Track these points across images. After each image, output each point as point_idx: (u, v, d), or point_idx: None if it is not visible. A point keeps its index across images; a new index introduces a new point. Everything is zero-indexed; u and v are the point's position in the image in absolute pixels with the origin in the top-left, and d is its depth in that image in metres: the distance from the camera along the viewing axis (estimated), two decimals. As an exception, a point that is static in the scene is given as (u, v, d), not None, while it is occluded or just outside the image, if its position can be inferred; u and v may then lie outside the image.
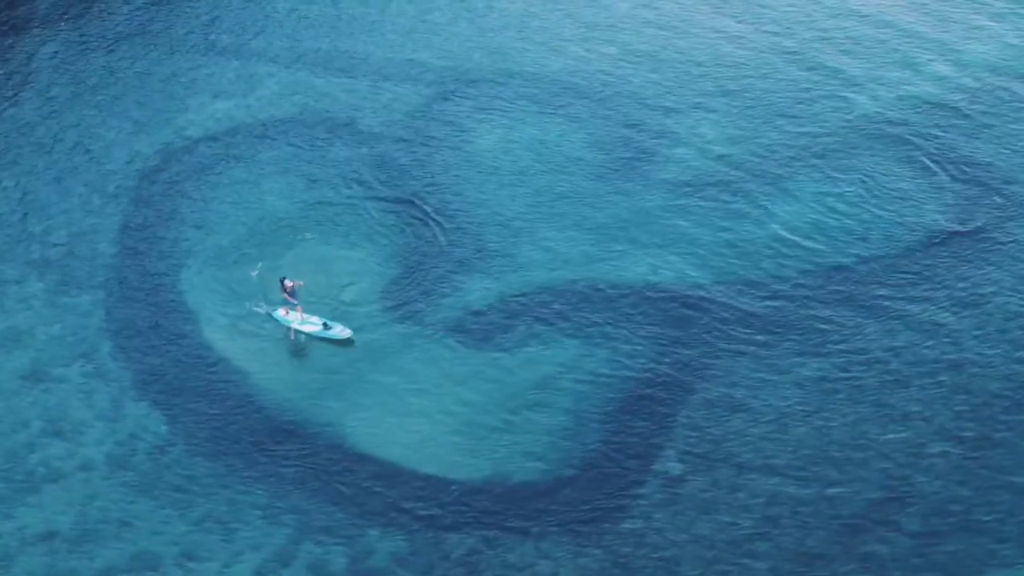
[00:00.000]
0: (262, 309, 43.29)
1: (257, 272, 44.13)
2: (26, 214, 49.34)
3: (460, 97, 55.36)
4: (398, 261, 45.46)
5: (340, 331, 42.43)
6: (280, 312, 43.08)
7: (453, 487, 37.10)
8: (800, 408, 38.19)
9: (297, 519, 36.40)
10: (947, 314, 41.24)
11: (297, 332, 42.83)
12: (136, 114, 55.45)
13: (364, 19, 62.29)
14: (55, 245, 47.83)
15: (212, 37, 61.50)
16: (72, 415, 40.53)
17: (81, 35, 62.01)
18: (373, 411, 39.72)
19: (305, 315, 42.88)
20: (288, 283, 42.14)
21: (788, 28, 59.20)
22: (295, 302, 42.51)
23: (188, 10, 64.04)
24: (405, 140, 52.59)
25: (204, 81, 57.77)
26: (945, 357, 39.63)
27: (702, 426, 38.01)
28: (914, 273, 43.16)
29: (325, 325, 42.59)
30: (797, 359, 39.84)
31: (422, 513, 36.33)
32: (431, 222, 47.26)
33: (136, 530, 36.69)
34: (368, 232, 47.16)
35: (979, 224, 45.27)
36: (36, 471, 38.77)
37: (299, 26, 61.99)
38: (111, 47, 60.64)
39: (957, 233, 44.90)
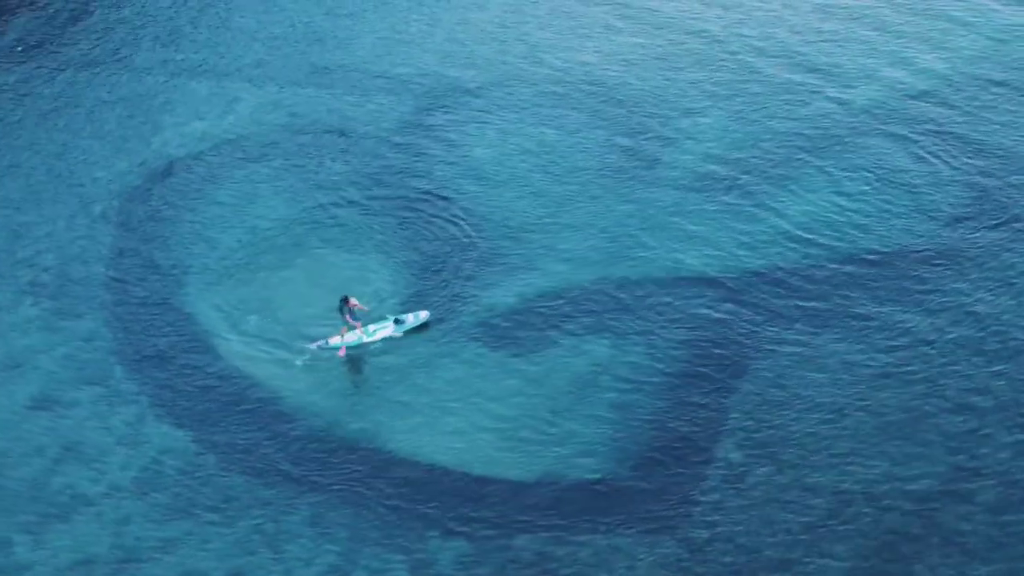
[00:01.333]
0: (317, 345, 41.24)
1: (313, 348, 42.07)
2: (11, 240, 47.36)
3: (448, 108, 54.39)
4: (414, 271, 44.34)
5: (418, 316, 41.32)
6: (334, 339, 41.12)
7: (508, 489, 35.57)
8: (853, 394, 37.57)
9: (347, 531, 34.93)
10: (983, 293, 41.07)
11: (348, 348, 41.08)
12: (111, 137, 53.82)
13: (335, 35, 61.08)
14: (45, 270, 45.93)
15: (180, 58, 60.00)
16: (90, 440, 38.71)
17: (45, 63, 60.06)
18: (411, 419, 38.47)
19: (371, 327, 41.18)
20: (353, 302, 40.37)
21: (770, 28, 59.03)
22: (355, 323, 40.76)
23: (150, 33, 62.36)
24: (400, 151, 51.49)
25: (178, 101, 56.22)
26: (989, 334, 39.19)
27: (755, 417, 37.22)
28: (938, 259, 42.88)
29: (397, 321, 41.09)
30: (839, 347, 39.27)
31: (480, 517, 35.04)
32: (441, 232, 46.06)
33: (179, 550, 34.99)
34: (378, 244, 46.01)
35: (989, 209, 44.95)
36: (60, 497, 36.96)
37: (268, 44, 60.72)
38: (77, 73, 58.89)
39: (969, 219, 44.59)
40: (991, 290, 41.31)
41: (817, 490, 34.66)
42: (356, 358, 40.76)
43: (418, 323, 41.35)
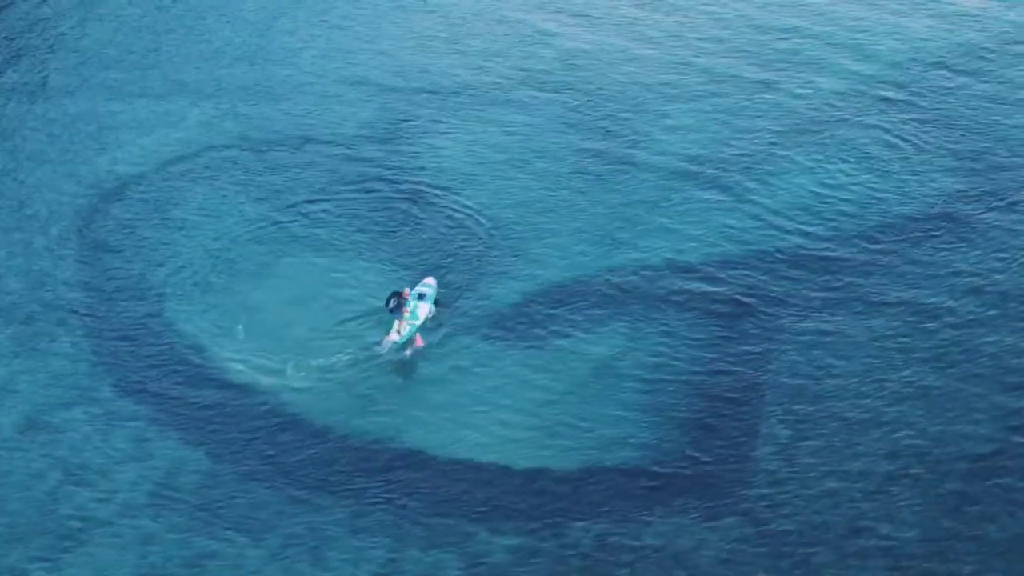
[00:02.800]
0: (386, 346, 39.49)
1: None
2: (-33, 265, 44.57)
3: (410, 112, 53.31)
4: (413, 272, 42.64)
5: (427, 284, 40.77)
6: (392, 336, 39.61)
7: (551, 481, 34.34)
8: (887, 364, 37.31)
9: (389, 534, 33.33)
10: (993, 262, 41.06)
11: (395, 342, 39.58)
12: (55, 161, 51.24)
13: (273, 46, 59.56)
14: (10, 294, 43.37)
15: (114, 79, 57.59)
16: (92, 461, 36.43)
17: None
18: (434, 418, 37.12)
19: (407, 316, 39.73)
20: (406, 293, 39.48)
21: (728, 22, 59.04)
22: (406, 310, 39.53)
23: (80, 57, 59.84)
24: (369, 156, 50.14)
25: (119, 122, 53.93)
26: (1008, 302, 39.16)
27: (790, 393, 36.69)
28: (936, 237, 42.98)
29: (420, 296, 40.33)
30: (861, 323, 38.92)
31: (526, 510, 33.80)
32: (431, 233, 44.70)
33: (212, 566, 32.91)
34: (370, 245, 44.45)
35: (965, 191, 45.24)
36: (71, 522, 34.61)
37: (203, 59, 58.70)
38: (7, 101, 55.77)
39: (956, 198, 44.75)
40: (992, 260, 41.29)
41: (872, 460, 34.14)
42: (377, 361, 39.01)
43: (434, 291, 40.40)
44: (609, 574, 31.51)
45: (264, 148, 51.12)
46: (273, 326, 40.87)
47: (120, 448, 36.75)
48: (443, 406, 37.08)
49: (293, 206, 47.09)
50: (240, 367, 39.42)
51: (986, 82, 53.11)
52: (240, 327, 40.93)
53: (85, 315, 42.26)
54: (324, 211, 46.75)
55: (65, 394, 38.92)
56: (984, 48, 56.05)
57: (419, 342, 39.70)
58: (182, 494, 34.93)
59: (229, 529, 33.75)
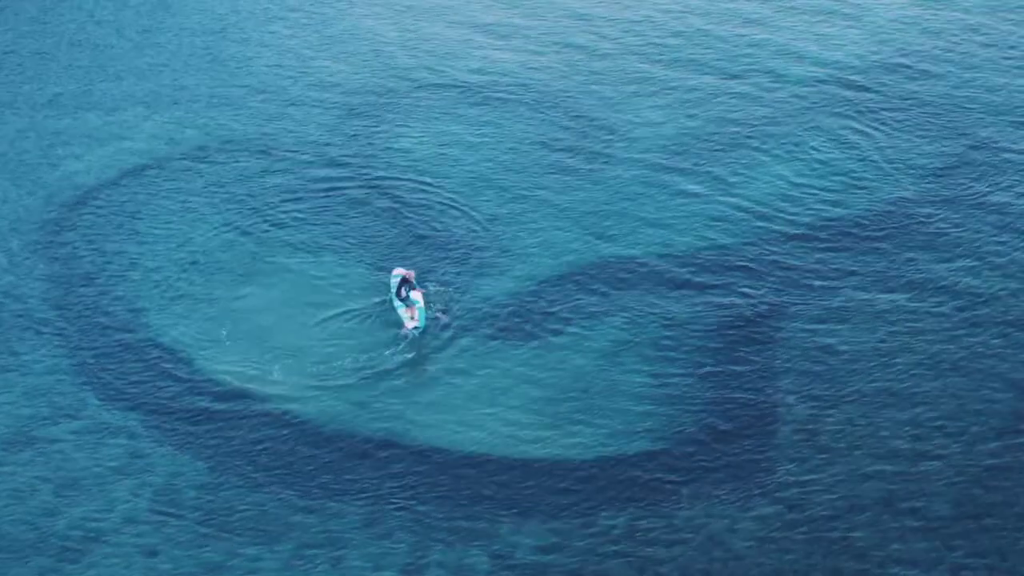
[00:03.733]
0: (409, 335, 38.69)
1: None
2: (-72, 282, 42.63)
3: (373, 113, 52.26)
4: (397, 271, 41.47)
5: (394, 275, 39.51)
6: (410, 324, 38.81)
7: (569, 472, 33.41)
8: (897, 339, 36.89)
9: (410, 533, 32.23)
10: (987, 238, 41.05)
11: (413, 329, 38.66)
12: (7, 173, 49.16)
13: (232, 59, 58.19)
14: (-26, 311, 41.37)
15: (60, 91, 55.69)
16: (85, 473, 34.88)
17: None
18: (444, 415, 36.02)
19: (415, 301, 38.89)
20: (411, 274, 38.72)
21: (686, 8, 58.76)
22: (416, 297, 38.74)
23: (23, 69, 57.77)
24: (340, 159, 48.87)
25: (71, 133, 52.26)
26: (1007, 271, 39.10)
27: (803, 372, 36.05)
28: (918, 212, 42.75)
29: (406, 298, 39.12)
30: (864, 298, 38.51)
31: (549, 502, 32.77)
32: (409, 233, 43.53)
33: (227, 575, 31.22)
34: (346, 246, 43.36)
35: (947, 168, 45.27)
36: (71, 537, 32.94)
37: (153, 71, 57.05)
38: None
39: (941, 176, 44.72)
40: (986, 235, 41.20)
41: (897, 434, 33.69)
42: (347, 362, 37.82)
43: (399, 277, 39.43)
44: (647, 560, 30.54)
45: (226, 156, 49.55)
46: (255, 331, 39.63)
47: (111, 460, 35.25)
48: (449, 406, 36.04)
49: (259, 211, 45.79)
50: (227, 375, 37.99)
51: (950, 63, 53.26)
52: (224, 333, 39.44)
53: (56, 327, 40.55)
54: (295, 216, 45.54)
55: (48, 408, 37.19)
56: (946, 31, 56.21)
57: (442, 316, 39.21)
58: (185, 504, 33.53)
59: (239, 538, 32.41)
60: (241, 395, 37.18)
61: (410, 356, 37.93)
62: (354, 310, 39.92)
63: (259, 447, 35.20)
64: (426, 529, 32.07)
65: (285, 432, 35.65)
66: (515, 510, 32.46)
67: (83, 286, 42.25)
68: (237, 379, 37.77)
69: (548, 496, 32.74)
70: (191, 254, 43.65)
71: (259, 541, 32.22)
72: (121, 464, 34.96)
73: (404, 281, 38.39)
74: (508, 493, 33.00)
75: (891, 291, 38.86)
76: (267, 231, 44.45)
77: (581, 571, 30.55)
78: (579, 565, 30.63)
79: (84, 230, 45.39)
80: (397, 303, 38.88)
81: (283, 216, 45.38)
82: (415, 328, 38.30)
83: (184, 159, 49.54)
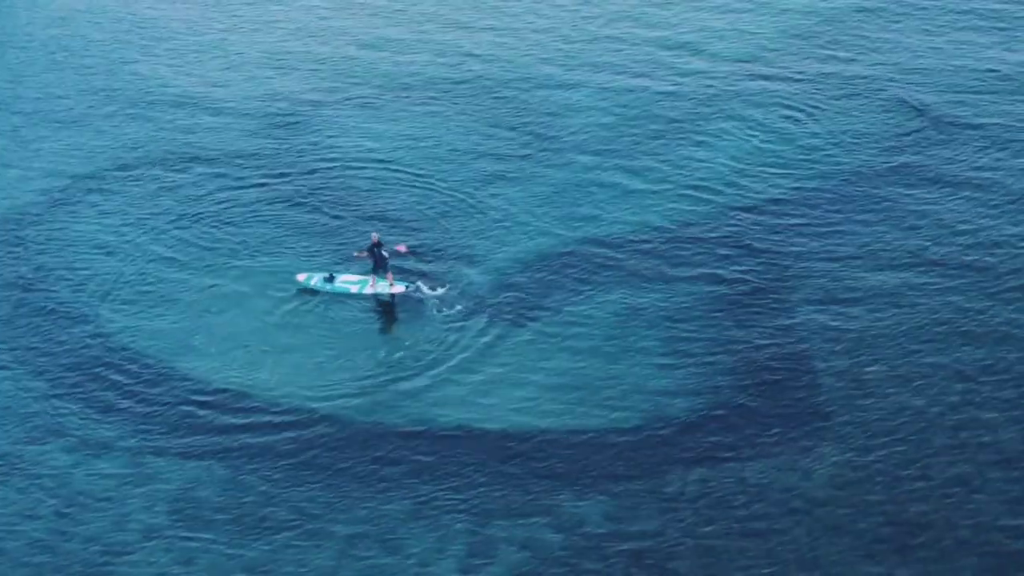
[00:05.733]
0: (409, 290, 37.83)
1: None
2: None
3: (306, 115, 50.21)
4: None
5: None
6: (397, 287, 38.19)
7: (619, 441, 32.05)
8: (904, 318, 36.20)
9: (466, 512, 30.43)
10: (959, 202, 41.23)
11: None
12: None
13: (159, 69, 55.56)
14: (-71, 339, 38.16)
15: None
16: (90, 491, 32.38)
17: None
18: (473, 397, 34.43)
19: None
20: (375, 236, 37.63)
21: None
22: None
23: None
24: (289, 165, 46.71)
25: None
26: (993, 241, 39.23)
27: (823, 344, 35.21)
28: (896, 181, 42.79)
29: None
30: (860, 275, 37.94)
31: (605, 470, 31.31)
32: (371, 230, 41.46)
33: (278, 572, 28.92)
34: (309, 242, 41.38)
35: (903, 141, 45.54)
36: (90, 552, 30.07)
37: (74, 88, 53.99)
38: None
39: (906, 149, 44.95)
40: (958, 196, 41.39)
41: (940, 374, 32.91)
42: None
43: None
44: (727, 514, 29.25)
45: (169, 165, 47.18)
46: (232, 334, 37.55)
47: (115, 472, 32.85)
48: (476, 387, 34.61)
49: (202, 216, 43.53)
50: (212, 371, 35.95)
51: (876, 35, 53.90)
52: (198, 338, 37.08)
53: (23, 343, 37.71)
54: (251, 216, 43.33)
55: (31, 425, 34.67)
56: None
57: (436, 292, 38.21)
58: (208, 510, 31.11)
59: (279, 535, 30.11)
60: (232, 392, 35.35)
61: (421, 344, 36.19)
62: (316, 304, 38.57)
63: (273, 444, 33.06)
64: (481, 508, 30.30)
65: (296, 423, 33.75)
66: (569, 482, 30.91)
67: (38, 300, 40.12)
68: (224, 375, 35.82)
69: (603, 466, 31.36)
70: (138, 268, 41.23)
71: (303, 540, 30.08)
72: (127, 478, 32.90)
73: (376, 244, 37.14)
74: (554, 467, 31.58)
75: (882, 270, 38.39)
76: (219, 239, 42.24)
77: (663, 532, 28.98)
78: (659, 527, 29.09)
79: (21, 246, 42.42)
80: (379, 280, 37.96)
81: (228, 221, 43.17)
82: (410, 284, 37.87)
83: (109, 173, 47.08)
